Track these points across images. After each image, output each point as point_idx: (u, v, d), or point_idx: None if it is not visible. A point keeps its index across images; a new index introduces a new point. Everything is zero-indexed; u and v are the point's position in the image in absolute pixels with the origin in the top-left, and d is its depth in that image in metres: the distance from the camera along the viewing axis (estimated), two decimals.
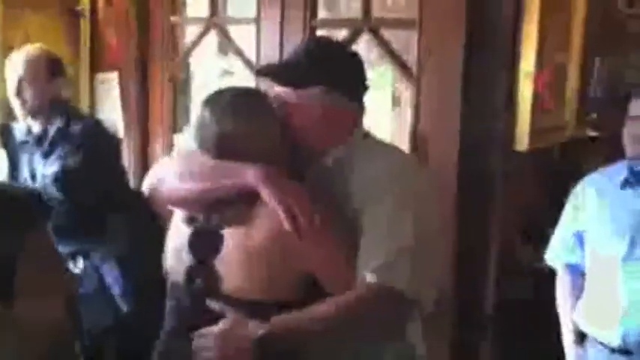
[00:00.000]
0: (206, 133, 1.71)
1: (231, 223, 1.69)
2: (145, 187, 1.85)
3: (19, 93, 2.76)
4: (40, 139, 2.80)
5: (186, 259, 1.75)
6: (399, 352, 1.77)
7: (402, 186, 1.68)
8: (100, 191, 2.68)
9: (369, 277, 1.61)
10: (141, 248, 2.62)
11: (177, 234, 1.80)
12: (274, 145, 1.72)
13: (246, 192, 1.66)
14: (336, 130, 1.77)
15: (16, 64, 2.78)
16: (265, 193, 1.64)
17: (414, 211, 1.66)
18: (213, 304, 1.68)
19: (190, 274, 1.74)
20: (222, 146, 1.69)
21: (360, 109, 1.83)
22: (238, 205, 1.68)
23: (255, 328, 1.59)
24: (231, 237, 1.69)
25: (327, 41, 1.98)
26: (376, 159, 1.75)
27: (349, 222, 1.67)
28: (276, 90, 1.77)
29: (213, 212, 1.72)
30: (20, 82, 2.75)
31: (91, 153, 2.74)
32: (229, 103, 1.72)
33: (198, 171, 1.72)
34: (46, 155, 2.75)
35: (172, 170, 1.79)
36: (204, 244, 1.72)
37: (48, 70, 2.79)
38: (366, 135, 1.84)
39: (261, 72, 1.87)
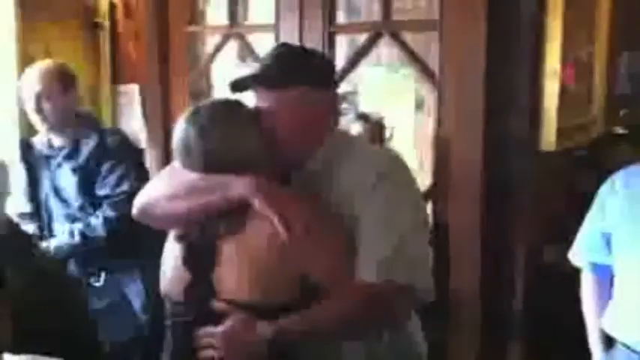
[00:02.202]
0: (191, 151, 1.72)
1: (225, 236, 1.69)
2: (135, 210, 1.85)
3: (39, 110, 2.77)
4: (70, 154, 2.80)
5: (184, 275, 1.75)
6: (396, 343, 1.79)
7: (391, 179, 1.71)
8: None
9: (372, 276, 1.63)
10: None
11: (173, 254, 1.79)
12: (259, 152, 1.73)
13: (238, 204, 1.68)
14: (322, 129, 1.79)
15: (31, 80, 2.79)
16: (257, 204, 1.66)
17: (407, 202, 1.71)
18: (217, 305, 1.68)
19: (188, 289, 1.74)
20: (209, 161, 1.71)
21: (338, 106, 1.88)
22: (231, 217, 1.69)
23: (265, 329, 1.62)
24: (227, 247, 1.69)
25: (293, 45, 2.00)
26: (364, 156, 1.78)
27: (342, 222, 1.69)
28: (258, 98, 1.77)
29: (207, 227, 1.72)
30: (38, 98, 2.76)
31: (137, 169, 2.83)
32: (209, 117, 1.72)
33: (189, 189, 1.72)
34: (78, 170, 2.76)
35: (164, 190, 1.79)
36: (198, 258, 1.72)
37: (62, 84, 2.80)
38: (348, 134, 1.91)
39: (239, 84, 1.80)
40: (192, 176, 1.73)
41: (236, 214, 1.69)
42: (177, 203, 1.74)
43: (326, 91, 1.81)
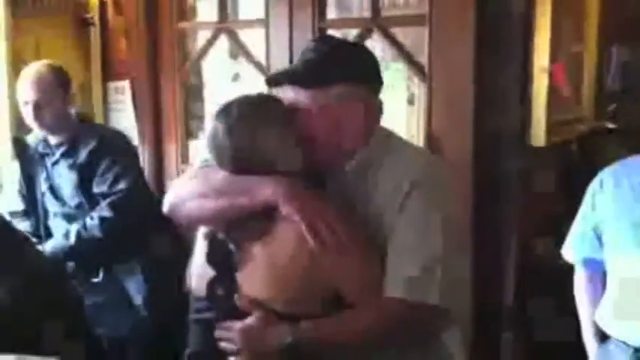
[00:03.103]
0: (220, 148, 1.65)
1: (252, 238, 1.64)
2: (166, 207, 1.81)
3: (39, 117, 2.75)
4: (68, 151, 2.80)
5: (209, 272, 1.72)
6: (429, 353, 1.70)
7: (428, 190, 1.61)
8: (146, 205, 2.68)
9: (400, 293, 1.56)
10: (166, 256, 2.65)
11: (200, 251, 1.77)
12: (290, 152, 1.66)
13: (266, 207, 1.62)
14: (362, 129, 1.69)
15: (29, 88, 2.75)
16: (286, 210, 1.59)
17: (443, 215, 1.59)
18: (240, 301, 1.65)
19: (211, 286, 1.71)
20: (238, 160, 1.64)
21: (380, 104, 1.75)
22: (259, 219, 1.64)
23: (285, 332, 1.59)
24: (253, 250, 1.64)
25: (334, 38, 1.90)
26: (401, 161, 1.68)
27: (374, 230, 1.62)
28: (293, 96, 1.67)
29: (234, 228, 1.67)
30: (37, 105, 2.73)
31: (135, 168, 2.86)
32: (239, 113, 1.65)
33: (217, 189, 1.67)
34: (76, 167, 2.75)
35: (192, 189, 1.75)
36: (221, 256, 1.69)
37: (62, 89, 2.79)
38: (388, 133, 1.77)
39: (274, 80, 1.75)
40: (220, 176, 1.67)
41: (264, 216, 1.62)
42: (204, 203, 1.69)
43: (367, 87, 1.70)
